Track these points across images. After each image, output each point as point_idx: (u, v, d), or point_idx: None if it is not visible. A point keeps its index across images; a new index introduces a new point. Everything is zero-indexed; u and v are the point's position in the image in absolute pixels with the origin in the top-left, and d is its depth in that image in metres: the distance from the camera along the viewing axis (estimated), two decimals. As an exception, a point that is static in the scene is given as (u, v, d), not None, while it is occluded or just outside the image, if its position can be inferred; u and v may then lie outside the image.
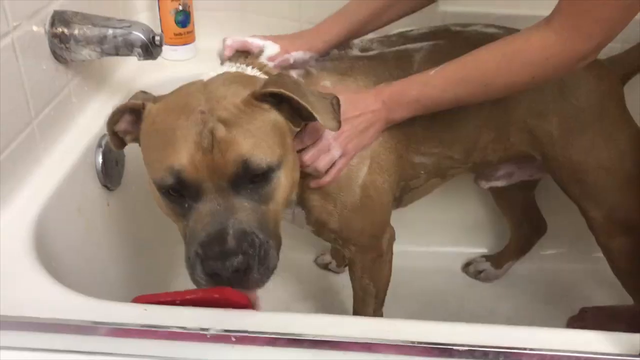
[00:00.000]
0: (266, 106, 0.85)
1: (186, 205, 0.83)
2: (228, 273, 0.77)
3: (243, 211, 0.80)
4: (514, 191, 1.46)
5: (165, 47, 1.34)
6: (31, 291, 0.83)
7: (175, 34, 1.44)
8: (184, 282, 0.86)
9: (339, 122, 0.88)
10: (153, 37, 1.07)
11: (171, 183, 0.81)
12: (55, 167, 1.06)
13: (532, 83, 0.96)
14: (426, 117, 1.05)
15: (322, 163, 0.97)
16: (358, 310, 1.24)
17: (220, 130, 0.80)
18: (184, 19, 1.43)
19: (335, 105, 0.89)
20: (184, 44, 1.46)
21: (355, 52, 1.13)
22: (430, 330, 0.77)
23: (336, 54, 1.12)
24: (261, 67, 1.03)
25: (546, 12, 0.92)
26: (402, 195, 1.19)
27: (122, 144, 0.93)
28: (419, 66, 1.09)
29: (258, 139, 0.82)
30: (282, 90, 0.84)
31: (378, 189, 1.07)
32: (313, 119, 0.86)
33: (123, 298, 0.86)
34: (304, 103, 0.84)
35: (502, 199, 1.54)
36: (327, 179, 1.00)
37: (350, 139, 0.99)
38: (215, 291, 0.80)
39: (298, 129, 0.91)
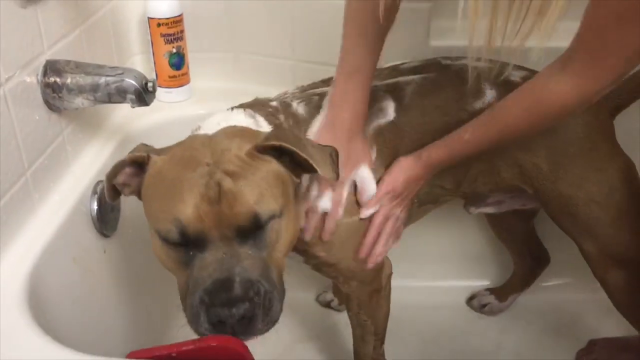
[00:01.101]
0: (268, 158, 0.87)
1: (190, 254, 0.83)
2: (234, 320, 0.78)
3: (248, 260, 0.81)
4: (512, 221, 1.45)
5: (160, 90, 1.35)
6: (24, 349, 0.81)
7: (170, 77, 1.44)
8: (183, 332, 0.84)
9: (337, 173, 0.90)
10: (146, 84, 1.07)
11: (177, 233, 0.81)
12: (50, 216, 1.05)
13: (546, 127, 1.03)
14: (418, 146, 1.09)
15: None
16: (358, 349, 1.23)
17: (227, 182, 0.81)
18: (178, 61, 1.44)
19: (334, 156, 0.91)
20: (179, 86, 1.46)
21: None
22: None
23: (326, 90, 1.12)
24: (267, 115, 1.03)
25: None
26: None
27: (117, 195, 0.94)
28: (410, 98, 1.11)
29: (263, 190, 0.83)
30: (284, 144, 0.85)
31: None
32: (314, 170, 0.87)
33: (119, 349, 0.85)
34: (304, 156, 0.85)
35: (500, 229, 1.53)
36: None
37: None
38: (212, 340, 0.79)
39: (299, 181, 0.92)
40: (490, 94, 1.11)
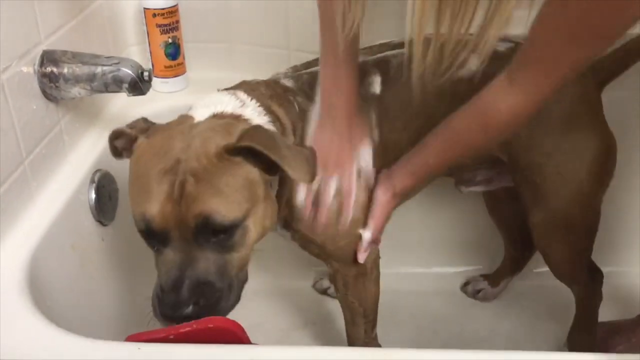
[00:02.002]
0: (238, 159, 0.87)
1: (156, 248, 0.87)
2: (180, 320, 0.82)
3: (203, 261, 0.85)
4: (507, 203, 1.46)
5: (156, 80, 1.36)
6: (25, 333, 0.83)
7: (166, 67, 1.45)
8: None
9: (313, 175, 0.90)
10: (142, 73, 1.08)
11: (143, 228, 0.86)
12: (49, 205, 1.06)
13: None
14: (405, 124, 1.11)
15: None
16: (349, 332, 1.24)
17: (190, 184, 0.84)
18: (174, 51, 1.44)
19: (310, 157, 0.91)
20: (175, 76, 1.47)
21: None
22: (427, 359, 0.77)
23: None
24: (262, 101, 1.02)
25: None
26: None
27: (119, 154, 0.97)
28: (395, 69, 1.11)
29: (224, 196, 0.85)
30: (254, 145, 0.85)
31: (359, 202, 1.07)
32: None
33: (118, 334, 0.86)
34: (274, 158, 0.85)
35: (495, 210, 1.53)
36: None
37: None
38: (209, 321, 0.81)
39: (275, 176, 0.93)
40: (474, 63, 1.09)
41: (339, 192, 1.04)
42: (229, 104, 0.98)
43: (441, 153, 1.04)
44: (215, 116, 0.95)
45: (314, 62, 1.15)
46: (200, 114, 0.95)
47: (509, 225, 1.53)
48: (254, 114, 0.98)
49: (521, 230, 1.51)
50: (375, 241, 1.10)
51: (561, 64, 0.87)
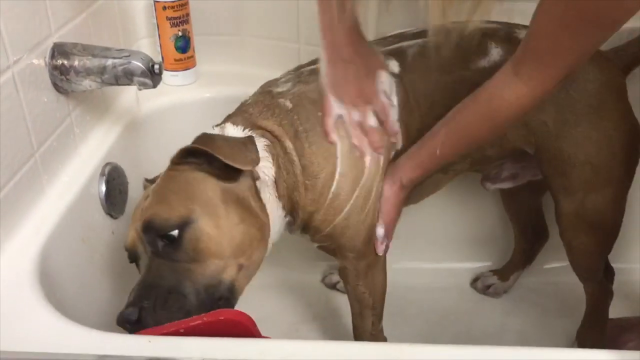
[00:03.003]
0: (184, 167, 0.94)
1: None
2: (124, 325, 0.86)
3: (156, 267, 0.88)
4: (523, 194, 1.46)
5: (165, 73, 1.36)
6: (35, 325, 0.83)
7: (176, 60, 1.45)
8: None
9: (254, 161, 0.94)
10: (152, 66, 1.08)
11: (128, 257, 0.95)
12: (59, 197, 1.06)
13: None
14: (423, 111, 1.11)
15: None
16: (357, 325, 1.24)
17: (147, 201, 0.92)
18: (184, 44, 1.44)
19: (248, 144, 0.96)
20: (185, 69, 1.46)
21: None
22: (437, 354, 0.77)
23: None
24: (247, 123, 1.03)
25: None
26: (411, 191, 1.19)
27: None
28: (412, 59, 1.12)
29: (165, 201, 0.91)
30: (187, 146, 0.93)
31: (369, 189, 1.07)
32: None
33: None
34: (207, 150, 0.90)
35: (511, 201, 1.53)
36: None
37: None
38: (220, 314, 0.81)
39: (235, 182, 0.94)
40: (496, 52, 1.12)
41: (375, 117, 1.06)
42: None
43: (448, 143, 1.04)
44: None
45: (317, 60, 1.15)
46: None
47: (523, 216, 1.53)
48: (237, 136, 1.00)
49: (534, 221, 1.51)
50: (387, 235, 1.10)
51: (563, 55, 0.88)
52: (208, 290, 0.88)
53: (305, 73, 1.12)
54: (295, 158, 1.02)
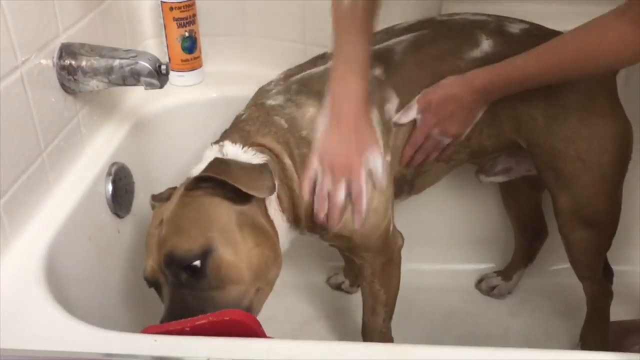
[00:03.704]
0: (199, 193, 0.93)
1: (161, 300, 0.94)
2: None
3: (180, 299, 0.88)
4: (522, 191, 1.47)
5: (172, 73, 1.36)
6: (42, 323, 0.83)
7: (182, 60, 1.45)
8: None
9: (271, 189, 0.94)
10: (159, 66, 1.08)
11: (147, 285, 0.95)
12: (66, 197, 1.07)
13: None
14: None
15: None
16: (367, 322, 1.25)
17: (163, 231, 0.91)
18: (191, 45, 1.45)
19: (264, 171, 0.95)
20: (191, 70, 1.47)
21: None
22: (441, 355, 0.77)
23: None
24: (246, 141, 1.03)
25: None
26: (414, 180, 1.21)
27: None
28: (400, 57, 1.14)
29: (183, 231, 0.90)
30: (204, 174, 0.92)
31: (373, 206, 1.07)
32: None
33: (135, 325, 0.87)
34: (226, 179, 0.90)
35: (510, 198, 1.53)
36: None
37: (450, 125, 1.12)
38: (225, 314, 0.81)
39: (249, 204, 0.94)
40: (486, 43, 1.13)
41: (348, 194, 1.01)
42: (214, 155, 1.01)
43: (530, 57, 1.03)
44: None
45: (307, 65, 1.16)
46: (195, 173, 0.98)
47: (522, 214, 1.53)
48: (237, 155, 1.00)
49: (533, 219, 1.51)
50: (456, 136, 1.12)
51: None
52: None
53: (293, 89, 1.10)
54: (294, 174, 1.02)
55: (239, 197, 0.92)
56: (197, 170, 0.98)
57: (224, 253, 0.88)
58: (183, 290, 0.88)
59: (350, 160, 0.99)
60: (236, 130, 1.06)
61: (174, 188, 1.01)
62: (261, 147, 1.02)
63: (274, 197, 0.99)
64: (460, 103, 1.10)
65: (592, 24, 0.97)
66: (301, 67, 1.17)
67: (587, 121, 1.14)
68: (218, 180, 0.91)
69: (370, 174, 1.03)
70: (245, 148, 1.01)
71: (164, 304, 0.91)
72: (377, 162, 1.03)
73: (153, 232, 0.94)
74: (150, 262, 0.92)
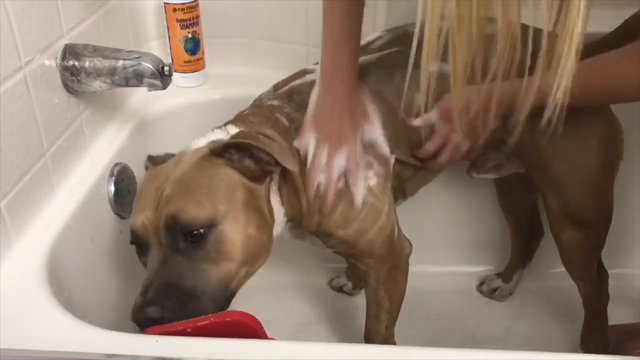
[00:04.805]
0: (220, 161, 0.91)
1: (143, 260, 0.92)
2: (144, 323, 0.83)
3: (175, 265, 0.86)
4: (517, 190, 1.47)
5: (175, 75, 1.36)
6: (44, 324, 0.84)
7: (185, 62, 1.46)
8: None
9: (299, 166, 0.94)
10: (162, 68, 1.08)
11: (131, 240, 0.92)
12: (69, 197, 1.07)
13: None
14: None
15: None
16: (370, 327, 1.24)
17: (167, 189, 0.88)
18: (194, 46, 1.45)
19: (294, 150, 0.97)
20: (194, 71, 1.47)
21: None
22: (441, 357, 0.77)
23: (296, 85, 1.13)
24: (251, 128, 1.02)
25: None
26: (404, 185, 1.20)
27: None
28: (385, 69, 1.11)
29: (194, 196, 0.87)
30: (239, 140, 0.90)
31: (375, 192, 1.07)
32: (276, 164, 0.91)
33: (136, 326, 0.86)
34: (261, 146, 0.89)
35: (506, 198, 1.53)
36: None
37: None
38: (227, 315, 0.81)
39: (260, 184, 0.94)
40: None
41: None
42: (219, 134, 1.01)
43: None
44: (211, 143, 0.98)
45: (291, 78, 1.16)
46: (195, 146, 0.98)
47: (517, 214, 1.53)
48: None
49: (529, 218, 1.52)
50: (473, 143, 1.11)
51: None
52: (217, 294, 0.88)
53: (285, 96, 1.10)
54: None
55: (254, 175, 0.92)
56: (197, 144, 0.98)
57: (228, 229, 0.88)
58: (176, 255, 0.86)
59: (344, 131, 1.00)
60: (239, 120, 1.06)
61: (172, 155, 1.01)
62: (266, 137, 1.00)
63: (275, 188, 0.99)
64: (477, 112, 1.09)
65: (608, 57, 0.96)
66: (286, 81, 1.16)
67: (572, 121, 1.12)
68: (246, 151, 0.90)
69: (371, 147, 1.04)
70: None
71: (147, 266, 0.89)
72: (376, 133, 1.05)
73: (148, 191, 0.91)
74: (143, 219, 0.89)
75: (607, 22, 1.13)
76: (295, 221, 1.04)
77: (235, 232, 0.88)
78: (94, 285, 1.07)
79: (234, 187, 0.90)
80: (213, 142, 0.97)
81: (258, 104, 1.11)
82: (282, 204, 1.01)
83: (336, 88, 1.02)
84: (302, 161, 1.01)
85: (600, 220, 1.22)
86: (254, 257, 0.92)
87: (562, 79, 0.78)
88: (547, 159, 1.16)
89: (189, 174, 0.90)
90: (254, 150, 0.91)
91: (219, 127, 1.05)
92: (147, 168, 1.03)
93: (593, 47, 1.18)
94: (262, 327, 0.83)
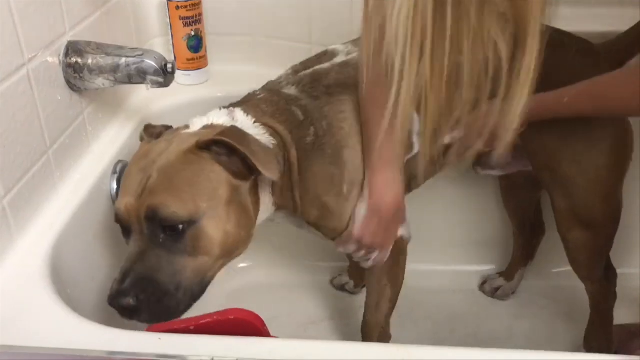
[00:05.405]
0: (206, 156, 0.90)
1: (126, 241, 0.92)
2: (120, 311, 0.85)
3: (153, 258, 0.87)
4: (522, 189, 1.46)
5: (178, 72, 1.36)
6: (47, 321, 0.84)
7: (188, 59, 1.46)
8: (198, 307, 0.88)
9: (280, 171, 0.93)
10: (165, 65, 1.08)
11: (115, 220, 0.92)
12: (71, 194, 1.07)
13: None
14: None
15: None
16: (369, 318, 1.25)
17: (152, 179, 0.88)
18: (197, 44, 1.45)
19: (279, 159, 0.96)
20: (197, 69, 1.47)
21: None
22: (443, 356, 0.77)
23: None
24: (259, 118, 1.02)
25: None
26: (410, 181, 1.19)
27: None
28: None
29: (177, 191, 0.88)
30: (223, 138, 0.89)
31: None
32: (256, 168, 0.90)
33: (138, 324, 0.87)
34: (244, 150, 0.88)
35: (510, 196, 1.53)
36: None
37: None
38: (230, 313, 0.81)
39: (245, 182, 0.94)
40: None
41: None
42: (222, 117, 1.00)
43: (575, 95, 1.02)
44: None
45: (312, 61, 1.15)
46: (194, 125, 0.99)
47: (521, 212, 1.53)
48: (246, 126, 0.99)
49: (532, 217, 1.51)
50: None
51: None
52: (193, 287, 0.88)
53: (305, 82, 1.10)
54: (296, 168, 1.02)
55: (240, 172, 0.92)
56: (199, 123, 0.98)
57: (207, 226, 0.88)
58: (154, 247, 0.87)
59: (386, 242, 1.10)
60: (250, 105, 1.05)
61: (168, 127, 1.02)
62: (272, 130, 1.00)
63: (268, 180, 0.99)
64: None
65: (610, 76, 0.98)
66: (305, 64, 1.16)
67: (583, 122, 1.12)
68: (232, 150, 0.90)
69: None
70: (257, 124, 1.00)
71: (128, 250, 0.89)
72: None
73: (135, 171, 0.91)
74: (127, 202, 0.89)
75: (610, 21, 1.13)
76: (289, 210, 1.05)
77: (214, 230, 0.89)
78: (96, 282, 1.07)
79: (218, 184, 0.90)
80: (208, 127, 0.97)
81: (275, 91, 1.09)
82: (273, 194, 1.01)
83: (385, 208, 1.06)
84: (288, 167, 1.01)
85: (609, 221, 1.22)
86: (232, 252, 0.93)
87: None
88: (556, 159, 1.16)
89: (174, 166, 0.89)
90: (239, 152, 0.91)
91: (227, 108, 1.03)
92: (141, 139, 1.02)
93: (608, 46, 1.18)
94: (264, 325, 0.83)
